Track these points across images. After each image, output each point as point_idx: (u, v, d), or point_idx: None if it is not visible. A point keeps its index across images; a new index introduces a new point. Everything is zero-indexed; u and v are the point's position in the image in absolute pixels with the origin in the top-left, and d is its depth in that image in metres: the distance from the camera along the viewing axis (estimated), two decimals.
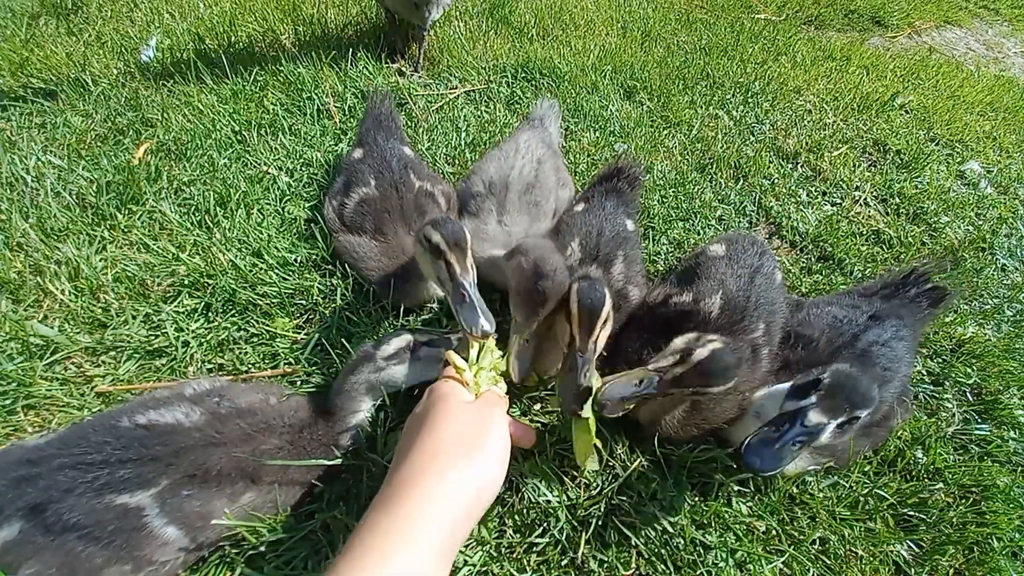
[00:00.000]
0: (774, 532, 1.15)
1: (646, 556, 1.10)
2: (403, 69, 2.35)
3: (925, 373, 1.52)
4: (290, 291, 1.44)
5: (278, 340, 1.35)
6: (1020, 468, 1.36)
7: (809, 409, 1.00)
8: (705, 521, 1.15)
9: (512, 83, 2.38)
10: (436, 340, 1.16)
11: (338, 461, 1.10)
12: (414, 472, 0.79)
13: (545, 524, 1.10)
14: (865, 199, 2.09)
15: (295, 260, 1.53)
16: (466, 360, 1.07)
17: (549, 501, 1.12)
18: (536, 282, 1.10)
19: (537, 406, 1.29)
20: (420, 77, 2.34)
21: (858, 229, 1.96)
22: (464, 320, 1.09)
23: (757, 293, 1.28)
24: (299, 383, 1.28)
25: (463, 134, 2.04)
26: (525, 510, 1.12)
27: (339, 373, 1.19)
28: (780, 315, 1.32)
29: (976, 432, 1.41)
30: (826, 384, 1.02)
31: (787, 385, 1.14)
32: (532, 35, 2.80)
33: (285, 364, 1.32)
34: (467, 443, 0.84)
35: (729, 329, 1.22)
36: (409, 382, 1.16)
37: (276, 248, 1.54)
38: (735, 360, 1.01)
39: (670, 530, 1.12)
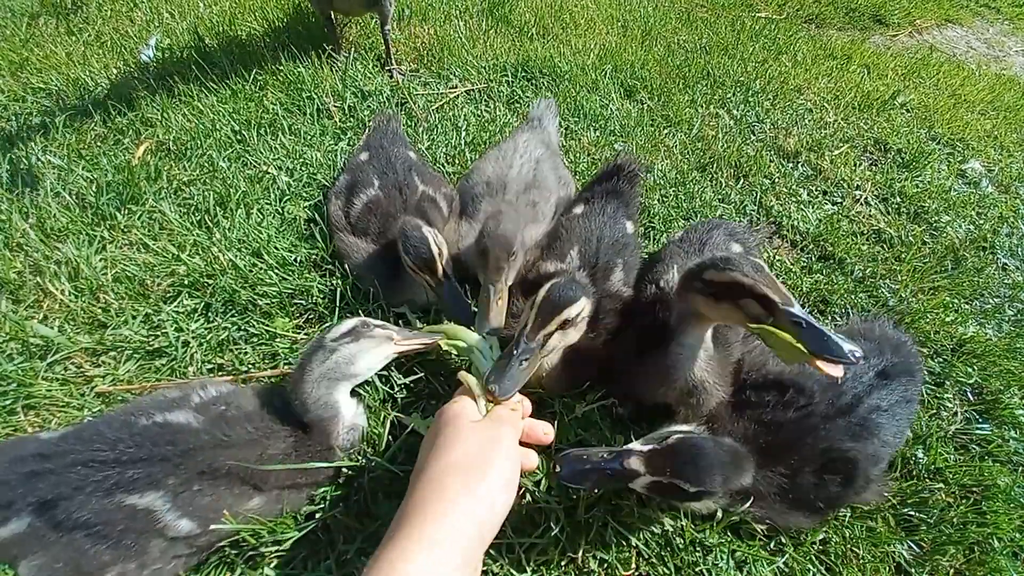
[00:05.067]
0: (775, 532, 1.15)
1: (646, 556, 1.10)
2: (392, 72, 2.33)
3: (926, 373, 1.52)
4: (290, 291, 1.44)
5: (278, 340, 1.35)
6: (1021, 468, 1.36)
7: (634, 453, 0.98)
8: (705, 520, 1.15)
9: (512, 82, 2.38)
10: (388, 327, 1.17)
11: (339, 464, 1.10)
12: (421, 503, 0.81)
13: (545, 524, 1.10)
14: (866, 198, 2.08)
15: (295, 260, 1.53)
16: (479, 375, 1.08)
17: (549, 501, 1.11)
18: (480, 238, 1.26)
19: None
20: (404, 76, 2.32)
21: (859, 228, 1.96)
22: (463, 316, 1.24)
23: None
24: None
25: (463, 133, 2.04)
26: (525, 510, 1.12)
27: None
28: None
29: (977, 432, 1.40)
30: (667, 443, 0.98)
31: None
32: (532, 34, 2.80)
33: (285, 364, 1.32)
34: (469, 472, 0.85)
35: None
36: (366, 365, 1.12)
37: (276, 248, 1.53)
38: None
39: (670, 530, 1.12)
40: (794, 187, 2.06)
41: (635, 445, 1.02)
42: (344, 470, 1.13)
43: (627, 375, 1.23)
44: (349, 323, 1.11)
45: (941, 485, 1.27)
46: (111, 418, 1.01)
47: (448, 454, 0.87)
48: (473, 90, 2.30)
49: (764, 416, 1.14)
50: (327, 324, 1.15)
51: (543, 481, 1.15)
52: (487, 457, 0.87)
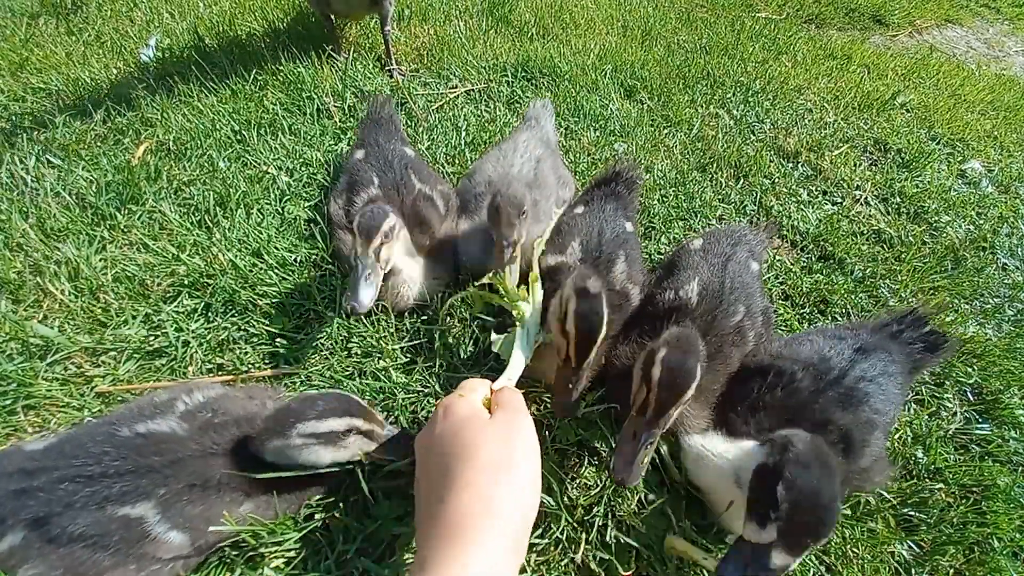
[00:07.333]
0: None
1: (646, 557, 1.10)
2: (392, 72, 2.34)
3: (926, 372, 1.52)
4: (290, 291, 1.44)
5: (278, 340, 1.35)
6: (1021, 468, 1.36)
7: (773, 549, 0.88)
8: (705, 522, 1.15)
9: (512, 82, 2.38)
10: (375, 433, 1.04)
11: (332, 468, 1.08)
12: (463, 509, 0.80)
13: (545, 524, 1.10)
14: (866, 198, 2.08)
15: (295, 260, 1.53)
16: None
17: (550, 501, 1.11)
18: (492, 199, 1.30)
19: (534, 408, 1.30)
20: (404, 76, 2.32)
21: (859, 228, 1.96)
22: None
23: (731, 278, 1.30)
24: (299, 383, 1.28)
25: (463, 133, 2.04)
26: None
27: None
28: (759, 298, 1.33)
29: (977, 432, 1.41)
30: (784, 512, 0.88)
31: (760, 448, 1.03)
32: (532, 34, 2.80)
33: (285, 364, 1.32)
34: (500, 468, 0.85)
35: (710, 314, 1.24)
36: (328, 461, 1.02)
37: (276, 248, 1.54)
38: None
39: (670, 530, 1.12)
40: (794, 187, 2.06)
41: (750, 533, 0.91)
42: (343, 471, 1.12)
43: (622, 400, 1.24)
44: (332, 424, 0.98)
45: (941, 485, 1.27)
46: (93, 429, 0.99)
47: (477, 456, 0.86)
48: (473, 90, 2.30)
49: (758, 402, 1.16)
50: (311, 396, 1.02)
51: (544, 481, 1.14)
52: (514, 450, 0.88)
